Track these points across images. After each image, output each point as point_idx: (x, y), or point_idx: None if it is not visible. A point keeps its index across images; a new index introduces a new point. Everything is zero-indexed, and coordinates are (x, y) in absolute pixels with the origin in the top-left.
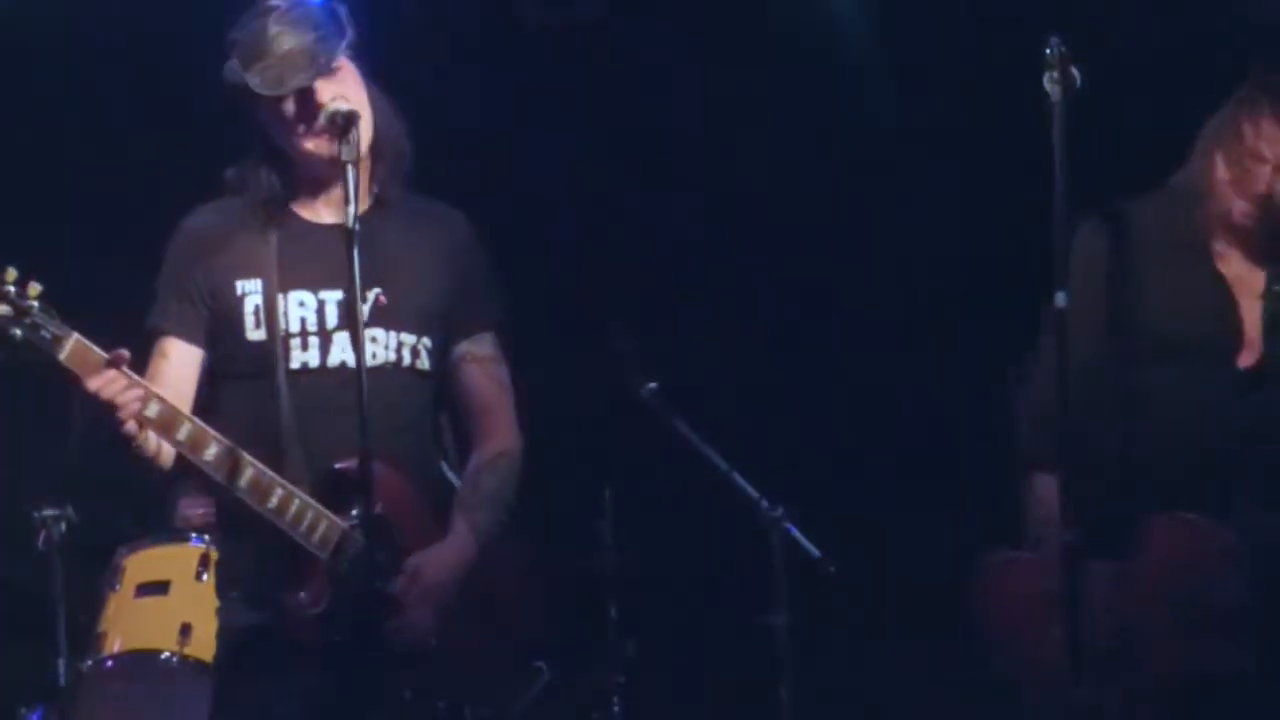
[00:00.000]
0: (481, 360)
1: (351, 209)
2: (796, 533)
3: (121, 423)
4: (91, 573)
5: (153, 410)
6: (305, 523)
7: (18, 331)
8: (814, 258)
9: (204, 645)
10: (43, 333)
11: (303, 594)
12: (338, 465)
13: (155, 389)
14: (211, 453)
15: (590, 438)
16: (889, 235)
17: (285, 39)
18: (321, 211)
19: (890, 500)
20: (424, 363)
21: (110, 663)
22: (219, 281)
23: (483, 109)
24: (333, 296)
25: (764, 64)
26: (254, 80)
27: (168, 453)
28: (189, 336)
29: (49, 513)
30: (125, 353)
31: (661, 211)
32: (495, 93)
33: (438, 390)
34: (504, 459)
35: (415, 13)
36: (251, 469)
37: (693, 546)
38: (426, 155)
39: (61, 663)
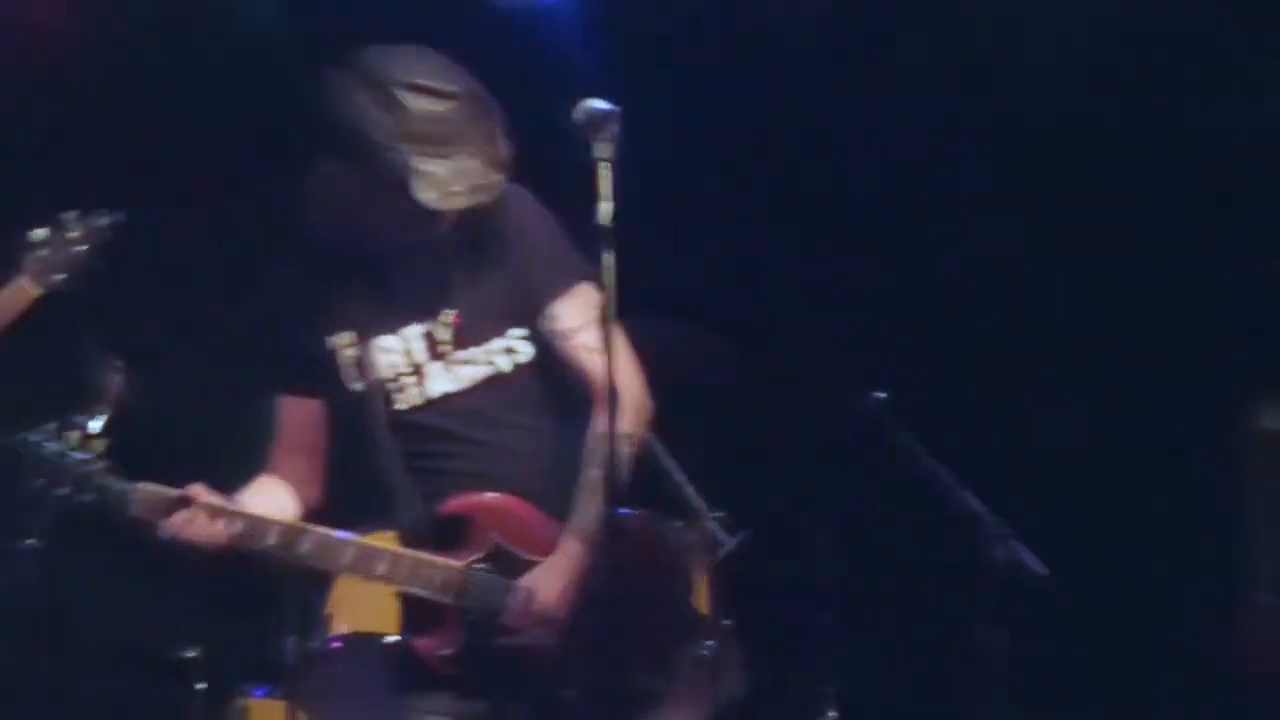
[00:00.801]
0: (566, 332)
1: (605, 207)
2: (1021, 550)
3: (208, 553)
4: None
5: (237, 528)
6: (421, 578)
7: (88, 498)
8: (1044, 267)
9: None
10: (109, 496)
11: (433, 637)
12: (440, 509)
13: (233, 505)
14: (306, 546)
15: (814, 443)
16: (1121, 241)
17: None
18: (392, 248)
19: (1114, 518)
20: (522, 354)
21: (336, 643)
22: (314, 337)
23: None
24: (414, 332)
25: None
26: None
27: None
28: (300, 392)
29: None
30: (197, 487)
31: (884, 215)
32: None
33: (550, 371)
34: (604, 439)
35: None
36: (351, 548)
37: (910, 556)
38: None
39: (289, 641)
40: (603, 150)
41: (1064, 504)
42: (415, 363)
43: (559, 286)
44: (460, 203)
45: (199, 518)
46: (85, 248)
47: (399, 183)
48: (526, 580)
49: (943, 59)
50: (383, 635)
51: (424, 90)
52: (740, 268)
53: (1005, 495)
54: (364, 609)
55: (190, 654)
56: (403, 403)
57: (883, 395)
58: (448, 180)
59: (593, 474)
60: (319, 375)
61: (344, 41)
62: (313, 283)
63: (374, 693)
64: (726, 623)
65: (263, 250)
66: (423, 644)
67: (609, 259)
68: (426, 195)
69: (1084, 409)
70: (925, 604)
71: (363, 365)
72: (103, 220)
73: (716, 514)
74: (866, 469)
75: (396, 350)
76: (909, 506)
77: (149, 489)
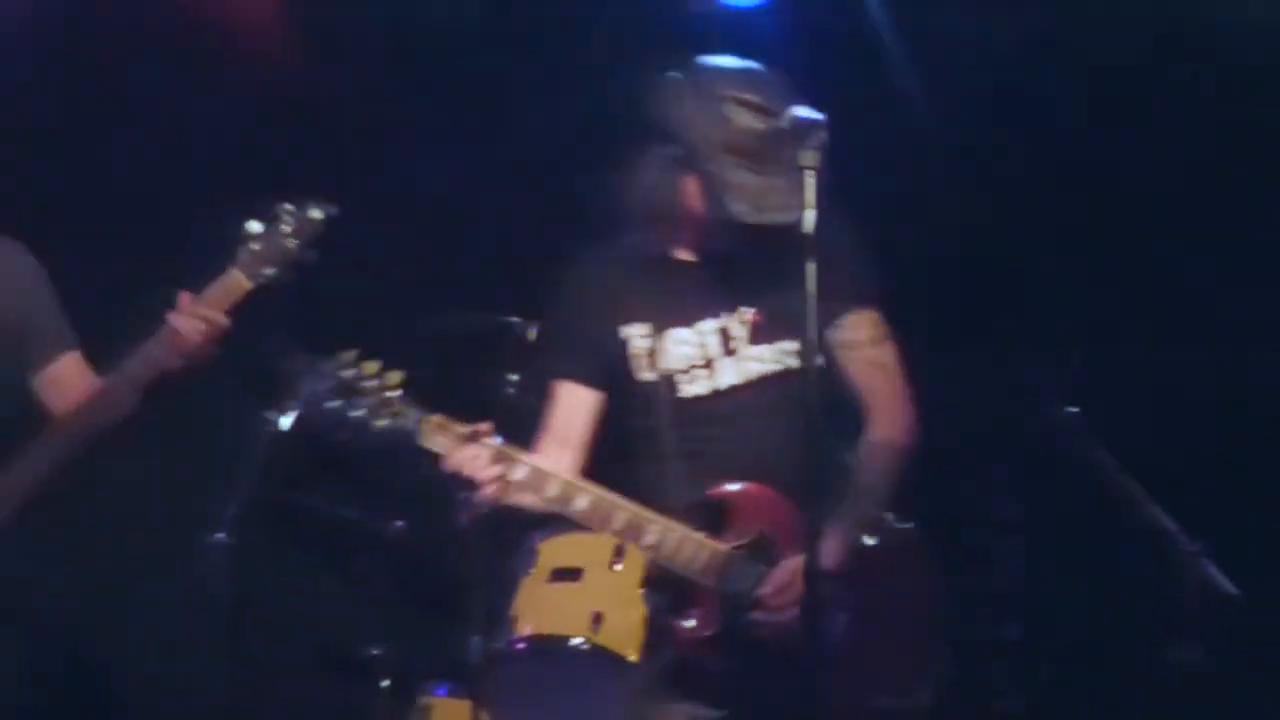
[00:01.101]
0: (856, 345)
1: (809, 215)
2: (1214, 570)
3: (483, 491)
4: (509, 556)
5: (519, 474)
6: (685, 555)
7: (383, 422)
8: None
9: (615, 634)
10: (403, 423)
11: (692, 620)
12: (710, 493)
13: (520, 453)
14: (582, 503)
15: (1005, 456)
16: None
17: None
18: (689, 250)
19: None
20: (805, 361)
21: (521, 645)
22: (605, 328)
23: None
24: (710, 327)
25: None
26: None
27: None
28: (584, 380)
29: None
30: (487, 425)
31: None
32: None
33: (832, 385)
34: (881, 449)
35: None
36: (624, 513)
37: (1102, 573)
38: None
39: (476, 641)
40: (808, 158)
41: (1264, 521)
42: (708, 355)
43: (852, 300)
44: (767, 219)
45: (484, 456)
46: (296, 242)
47: (712, 191)
48: (789, 564)
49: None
50: (568, 638)
51: (749, 106)
52: (929, 274)
53: (1197, 512)
54: (549, 612)
55: (375, 651)
56: (689, 391)
57: (1075, 410)
58: (759, 195)
59: (863, 480)
60: (608, 363)
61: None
62: (613, 276)
63: (557, 695)
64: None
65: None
66: (683, 627)
67: (811, 268)
68: (738, 207)
69: None
70: (1115, 620)
71: (654, 355)
72: (315, 213)
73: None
74: (1057, 483)
75: (691, 342)
76: (1100, 521)
77: (441, 421)
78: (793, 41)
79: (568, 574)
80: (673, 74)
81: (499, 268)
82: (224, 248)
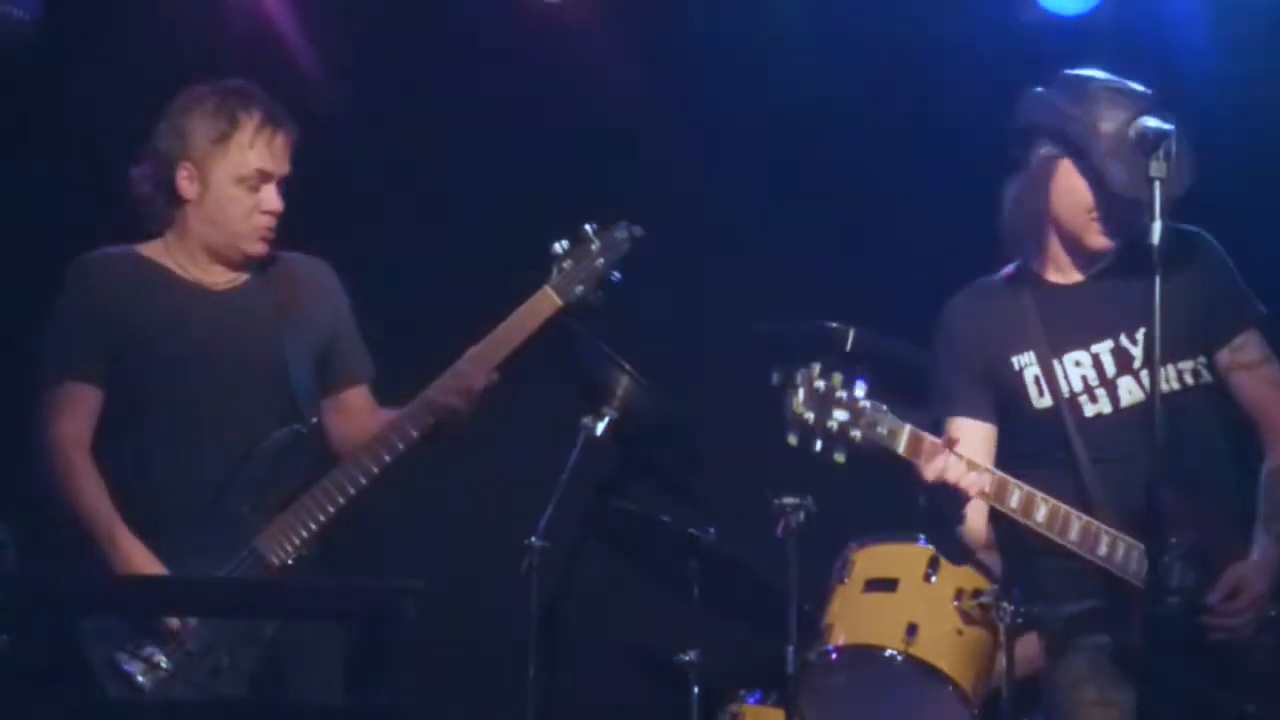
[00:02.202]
0: (1247, 365)
1: (1157, 226)
2: None
3: (962, 499)
4: (823, 564)
5: (986, 483)
6: (1133, 564)
7: (857, 434)
8: None
9: (929, 646)
10: (879, 430)
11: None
12: (1142, 503)
13: (984, 464)
14: (1042, 514)
15: None
16: None
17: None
18: (1069, 272)
19: None
20: (1205, 378)
21: (835, 654)
22: (995, 359)
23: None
24: (1104, 348)
25: None
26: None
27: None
28: (978, 414)
29: (789, 501)
30: (956, 436)
31: None
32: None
33: (1224, 404)
34: None
35: None
36: (1079, 523)
37: None
38: None
39: (790, 650)
40: (1156, 168)
41: None
42: (1107, 375)
43: (1241, 322)
44: (1144, 194)
45: (958, 466)
46: (603, 260)
47: (1093, 172)
48: (1235, 570)
49: None
50: (882, 649)
51: (1120, 102)
52: None
53: None
54: (863, 622)
55: (687, 657)
56: (1092, 410)
57: None
58: (1136, 185)
59: (1278, 496)
60: (1003, 395)
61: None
62: (997, 306)
63: (871, 705)
64: None
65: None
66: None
67: (1157, 280)
68: (1122, 185)
69: None
70: None
71: (1049, 381)
72: (620, 233)
73: None
74: None
75: (1087, 364)
76: None
77: (918, 431)
78: (1125, 47)
79: (883, 584)
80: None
81: (811, 277)
82: (537, 266)
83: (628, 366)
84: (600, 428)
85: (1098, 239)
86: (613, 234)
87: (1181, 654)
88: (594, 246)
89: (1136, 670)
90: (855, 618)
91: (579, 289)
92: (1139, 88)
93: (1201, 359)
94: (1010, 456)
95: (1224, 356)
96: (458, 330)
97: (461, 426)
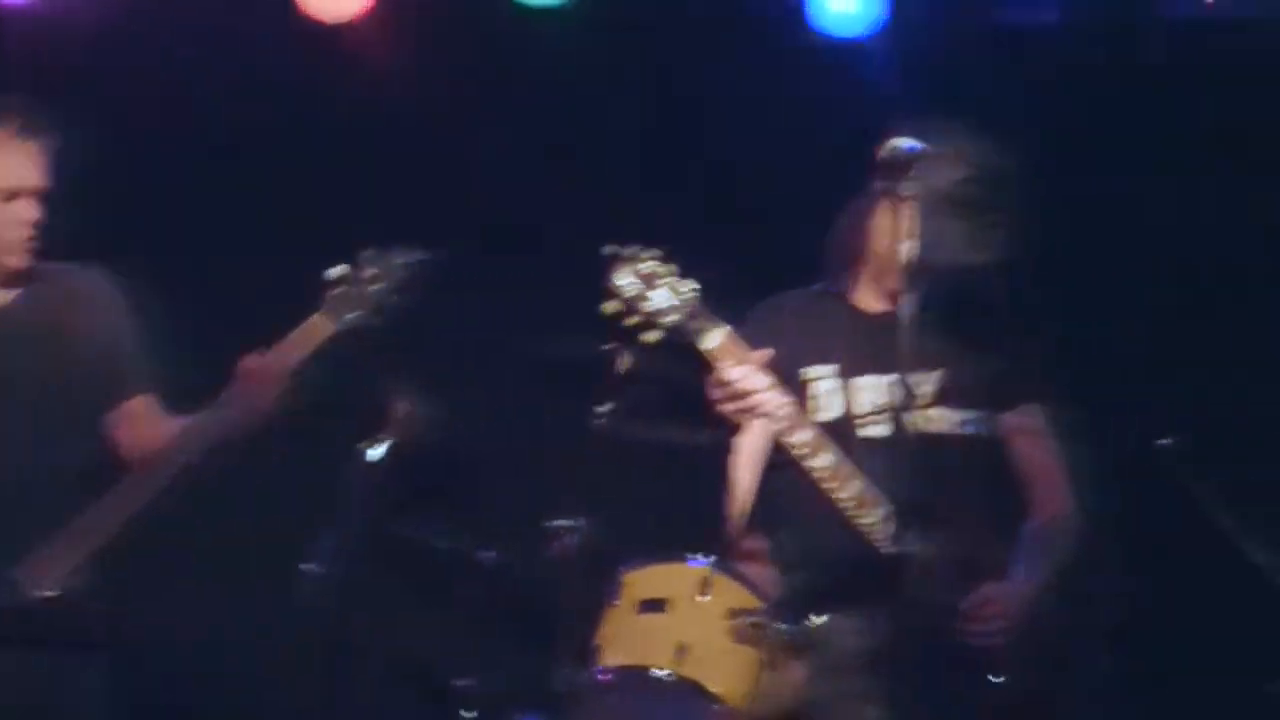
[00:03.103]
0: (1030, 433)
1: (905, 246)
2: None
3: (743, 411)
4: (597, 586)
5: (784, 410)
6: (889, 529)
7: (673, 319)
8: None
9: (699, 665)
10: (695, 322)
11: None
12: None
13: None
14: (827, 459)
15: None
16: None
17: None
18: (875, 302)
19: None
20: (984, 433)
21: (605, 675)
22: (788, 367)
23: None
24: (894, 379)
25: None
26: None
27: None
28: None
29: (562, 523)
30: (770, 351)
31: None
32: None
33: (995, 459)
34: (1058, 522)
35: None
36: (858, 483)
37: (1207, 604)
38: None
39: (561, 672)
40: (909, 188)
41: None
42: (891, 405)
43: (1033, 391)
44: (945, 262)
45: (760, 379)
46: (381, 286)
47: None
48: (990, 587)
49: None
50: (652, 668)
51: (944, 161)
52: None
53: None
54: (633, 642)
55: (463, 682)
56: (871, 432)
57: (1172, 440)
58: (940, 235)
59: (1043, 544)
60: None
61: None
62: (801, 316)
63: None
64: None
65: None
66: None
67: (911, 299)
68: (927, 247)
69: None
70: (1215, 653)
71: (838, 397)
72: (399, 259)
73: None
74: (1157, 515)
75: (877, 390)
76: (1200, 552)
77: (735, 335)
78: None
79: (653, 605)
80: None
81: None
82: (310, 294)
83: (405, 391)
84: (378, 453)
85: (896, 280)
86: (390, 259)
87: (934, 652)
88: (370, 272)
89: (891, 670)
90: (626, 638)
91: (353, 314)
92: (986, 150)
93: (985, 415)
94: (786, 460)
95: (1009, 420)
96: (238, 351)
97: (247, 438)
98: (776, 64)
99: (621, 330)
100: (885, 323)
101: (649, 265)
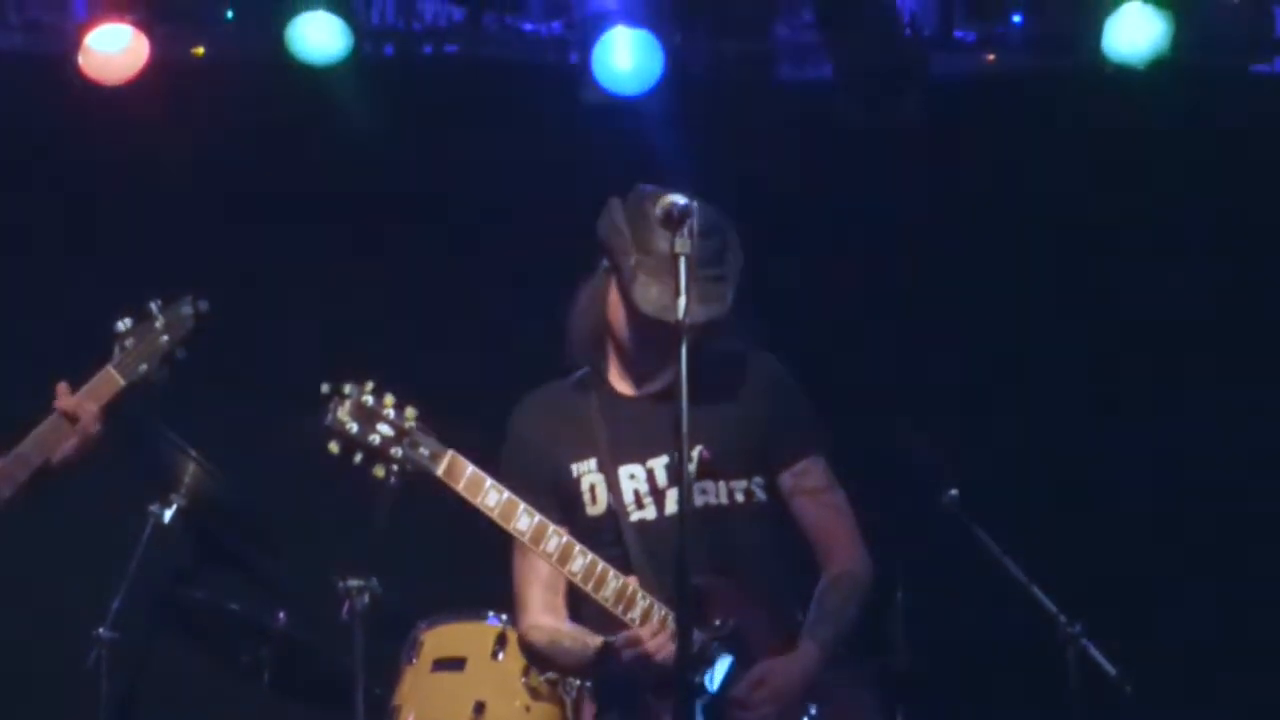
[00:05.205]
0: (810, 491)
1: (681, 302)
2: (1094, 650)
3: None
4: (390, 646)
5: (521, 523)
6: (634, 610)
7: (398, 451)
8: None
9: None
10: (421, 450)
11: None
12: (695, 580)
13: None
14: (579, 564)
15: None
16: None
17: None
18: (629, 384)
19: (1202, 620)
20: (759, 497)
21: None
22: (560, 467)
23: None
24: (659, 463)
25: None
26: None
27: None
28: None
29: (354, 583)
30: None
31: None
32: (812, 192)
33: (778, 524)
34: (846, 579)
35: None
36: (616, 582)
37: (985, 657)
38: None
39: None
40: (681, 245)
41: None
42: (658, 487)
43: (804, 450)
44: (666, 316)
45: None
46: (167, 337)
47: (623, 287)
48: (764, 664)
49: None
50: None
51: (669, 219)
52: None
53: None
54: (431, 702)
55: None
56: (638, 516)
57: (955, 492)
58: (662, 297)
59: (829, 606)
60: (567, 501)
61: None
62: (560, 415)
63: None
64: None
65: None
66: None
67: (683, 351)
68: (643, 303)
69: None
70: (998, 706)
71: (607, 488)
72: (185, 309)
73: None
74: (940, 564)
75: (640, 477)
76: (985, 603)
77: (460, 458)
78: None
79: (451, 663)
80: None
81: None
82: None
83: (195, 453)
84: (168, 515)
85: (643, 356)
86: (177, 309)
87: None
88: (158, 323)
89: None
90: (424, 698)
91: (142, 367)
92: (693, 205)
93: (758, 479)
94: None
95: (786, 480)
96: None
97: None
98: (548, 126)
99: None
100: (640, 407)
101: (369, 399)
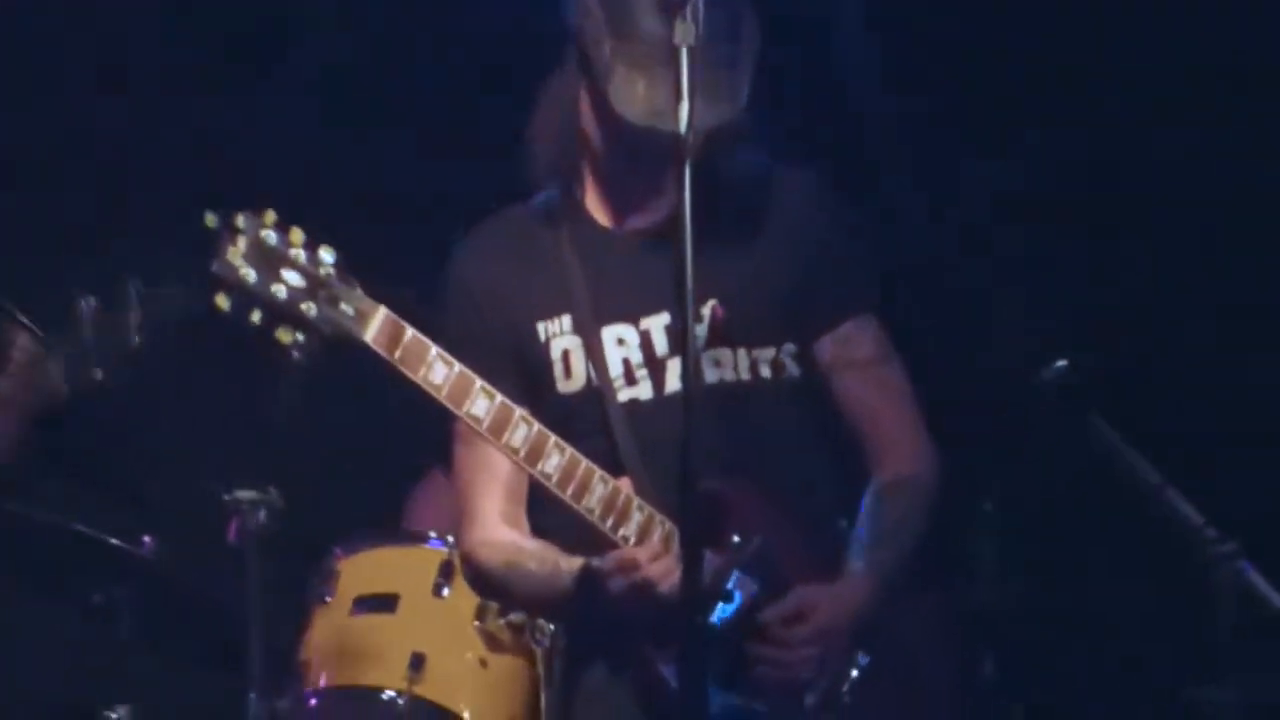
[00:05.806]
0: (855, 363)
1: (684, 107)
2: (1254, 575)
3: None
4: (296, 579)
5: (479, 407)
6: (626, 527)
7: (311, 308)
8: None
9: (441, 682)
10: (343, 307)
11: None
12: (705, 483)
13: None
14: (554, 462)
15: (970, 432)
16: None
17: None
18: (617, 217)
19: None
20: (791, 371)
21: (315, 700)
22: (520, 324)
23: None
24: (657, 323)
25: None
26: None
27: None
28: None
29: (245, 495)
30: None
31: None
32: None
33: (816, 406)
34: (906, 484)
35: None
36: (604, 485)
37: (1106, 587)
38: None
39: (253, 698)
40: (683, 33)
41: None
42: (656, 355)
43: (849, 304)
44: (658, 123)
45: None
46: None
47: (596, 90)
48: (806, 592)
49: None
50: (379, 690)
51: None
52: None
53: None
54: (353, 655)
55: (115, 715)
56: (628, 395)
57: (1063, 363)
58: (650, 97)
59: (893, 517)
60: (532, 371)
61: None
62: (519, 257)
63: None
64: None
65: None
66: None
67: (686, 175)
68: (624, 108)
69: None
70: (1124, 649)
71: (585, 358)
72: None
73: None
74: (1043, 463)
75: (632, 343)
76: (1103, 514)
77: (396, 318)
78: None
79: (378, 602)
80: None
81: None
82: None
83: (22, 317)
84: None
85: (631, 179)
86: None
87: (716, 685)
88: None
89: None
90: (342, 650)
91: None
92: None
93: (789, 347)
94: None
95: (826, 348)
96: None
97: None
98: None
99: (246, 333)
100: (629, 246)
101: (271, 235)
